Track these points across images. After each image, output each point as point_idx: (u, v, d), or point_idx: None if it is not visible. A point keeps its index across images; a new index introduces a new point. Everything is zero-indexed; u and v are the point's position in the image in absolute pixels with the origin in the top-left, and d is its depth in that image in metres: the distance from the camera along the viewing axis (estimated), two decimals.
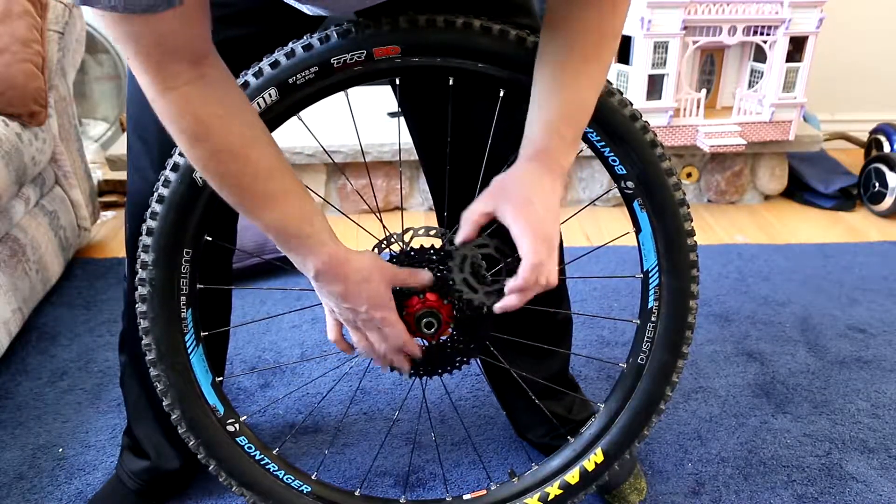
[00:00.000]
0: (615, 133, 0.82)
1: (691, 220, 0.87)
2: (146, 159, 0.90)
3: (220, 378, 0.93)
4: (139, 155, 0.92)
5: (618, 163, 0.84)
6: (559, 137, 0.75)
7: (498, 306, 0.75)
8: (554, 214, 0.74)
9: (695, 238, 0.87)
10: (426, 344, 0.85)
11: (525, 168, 0.75)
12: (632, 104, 0.83)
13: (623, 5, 0.74)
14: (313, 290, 0.78)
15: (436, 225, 0.96)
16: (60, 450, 1.23)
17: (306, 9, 0.78)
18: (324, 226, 0.74)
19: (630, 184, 0.85)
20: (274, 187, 0.71)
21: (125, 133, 2.35)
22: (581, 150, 0.78)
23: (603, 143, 0.83)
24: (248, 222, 0.75)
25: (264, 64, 0.78)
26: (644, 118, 0.84)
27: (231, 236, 1.05)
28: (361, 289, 0.76)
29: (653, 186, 0.85)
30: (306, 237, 0.73)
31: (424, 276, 0.80)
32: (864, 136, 2.53)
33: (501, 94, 0.83)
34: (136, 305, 0.83)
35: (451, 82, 0.82)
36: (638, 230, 0.88)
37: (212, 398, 0.89)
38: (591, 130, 0.83)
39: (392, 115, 2.18)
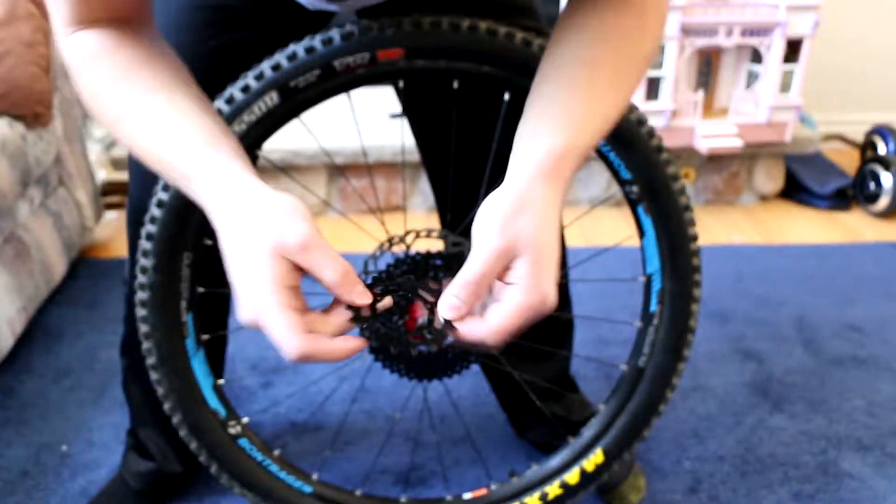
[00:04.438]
0: (621, 137, 0.82)
1: (695, 225, 0.87)
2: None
3: (221, 381, 0.94)
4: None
5: (623, 167, 0.84)
6: (577, 148, 0.60)
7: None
8: (557, 233, 0.60)
9: (698, 243, 0.87)
10: (427, 350, 0.85)
11: (537, 191, 0.58)
12: (637, 109, 0.83)
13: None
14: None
15: (437, 226, 0.97)
16: (64, 448, 1.24)
17: (307, 3, 0.78)
18: (209, 172, 0.58)
19: (634, 188, 0.85)
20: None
21: None
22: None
23: (608, 148, 0.83)
24: None
25: (265, 66, 0.77)
26: (649, 123, 0.84)
27: None
28: (234, 250, 0.55)
29: (657, 191, 0.84)
30: (185, 184, 0.60)
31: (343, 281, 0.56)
32: (860, 138, 2.55)
33: (506, 97, 0.83)
34: (136, 310, 0.82)
35: (455, 85, 0.82)
36: (641, 234, 0.88)
37: (213, 401, 0.88)
38: None
39: (394, 116, 2.19)
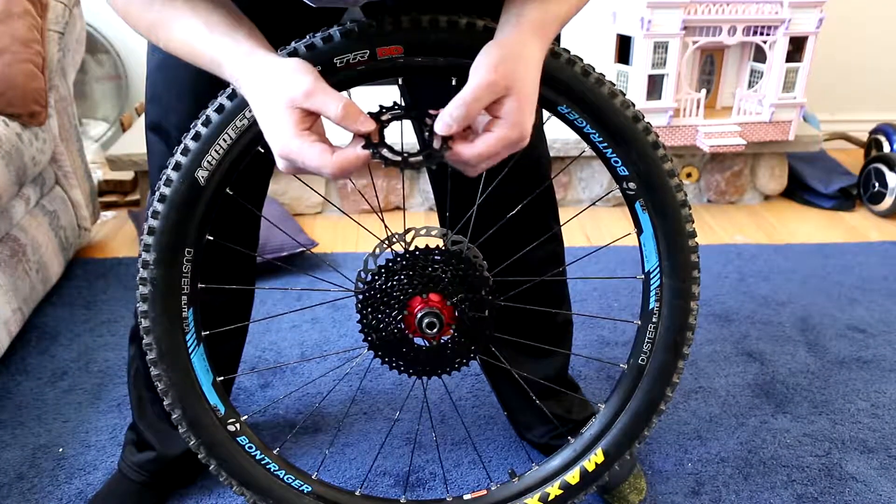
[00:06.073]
0: (618, 134, 0.82)
1: (693, 222, 0.87)
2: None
3: (226, 377, 0.93)
4: (164, 156, 0.92)
5: (620, 164, 0.84)
6: (559, 18, 0.71)
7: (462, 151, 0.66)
8: (538, 84, 0.70)
9: (696, 239, 0.87)
10: (427, 345, 0.85)
11: (529, 45, 0.68)
12: (634, 105, 0.83)
13: None
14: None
15: (437, 225, 0.96)
16: (61, 450, 1.23)
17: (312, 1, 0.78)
18: (230, 41, 0.68)
19: (632, 185, 0.85)
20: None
21: (125, 133, 2.34)
22: (583, 151, 0.75)
23: (605, 144, 0.83)
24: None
25: None
26: (646, 119, 0.84)
27: (253, 240, 1.05)
28: (260, 111, 0.66)
29: (655, 188, 0.84)
30: (215, 66, 0.69)
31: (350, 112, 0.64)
32: (864, 136, 2.54)
33: None
34: (137, 304, 0.83)
35: (454, 82, 0.82)
36: (639, 231, 0.88)
37: (212, 398, 0.88)
38: (594, 131, 0.83)
39: None
